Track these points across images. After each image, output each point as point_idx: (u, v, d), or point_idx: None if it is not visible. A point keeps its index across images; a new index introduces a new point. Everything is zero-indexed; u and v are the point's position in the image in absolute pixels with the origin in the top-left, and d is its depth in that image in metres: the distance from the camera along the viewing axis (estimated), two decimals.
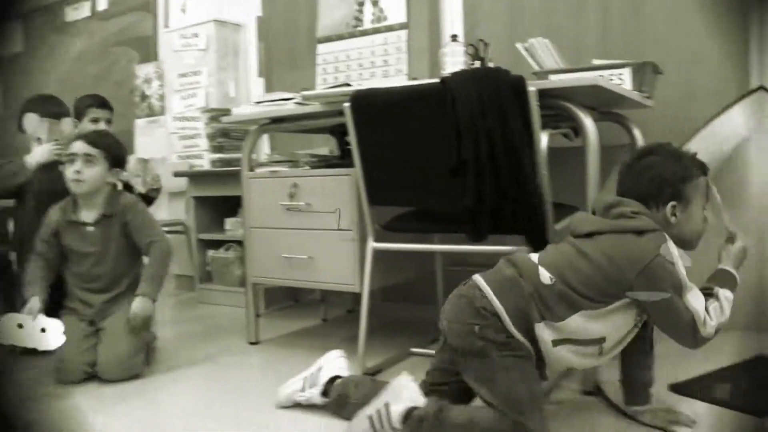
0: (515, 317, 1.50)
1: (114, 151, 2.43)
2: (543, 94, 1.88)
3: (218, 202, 3.65)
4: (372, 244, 2.22)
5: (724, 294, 1.54)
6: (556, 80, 2.10)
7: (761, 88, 1.78)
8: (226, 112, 3.39)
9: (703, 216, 1.60)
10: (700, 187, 1.59)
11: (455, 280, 2.81)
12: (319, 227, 2.42)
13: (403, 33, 3.28)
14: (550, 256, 1.59)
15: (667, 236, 1.50)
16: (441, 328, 1.63)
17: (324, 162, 2.58)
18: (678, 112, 2.62)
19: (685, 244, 1.56)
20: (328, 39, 3.53)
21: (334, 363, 1.94)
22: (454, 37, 2.52)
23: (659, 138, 2.52)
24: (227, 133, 3.71)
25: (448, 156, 1.93)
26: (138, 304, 2.30)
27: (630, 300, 1.50)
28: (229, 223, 3.60)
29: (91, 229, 2.39)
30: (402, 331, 2.81)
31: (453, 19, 3.32)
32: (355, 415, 1.64)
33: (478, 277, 1.59)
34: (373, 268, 2.23)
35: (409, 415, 1.56)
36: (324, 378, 1.88)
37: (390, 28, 3.33)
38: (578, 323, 1.50)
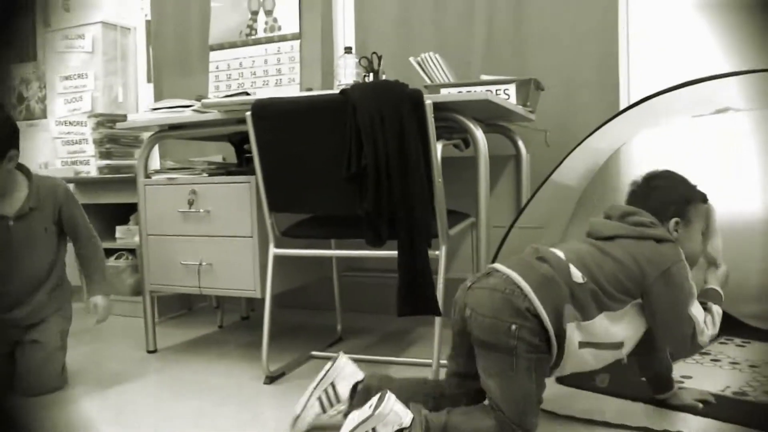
0: (552, 319, 1.51)
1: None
2: (438, 107, 2.02)
3: (107, 209, 3.56)
4: (273, 250, 2.27)
5: (717, 309, 1.69)
6: (451, 94, 2.23)
7: (632, 106, 1.98)
8: (120, 117, 3.33)
9: (700, 241, 1.75)
10: (701, 211, 1.74)
11: (350, 285, 2.93)
12: (218, 234, 2.44)
13: (296, 43, 3.34)
14: (575, 254, 1.62)
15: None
16: (458, 319, 1.62)
17: (223, 169, 2.60)
18: (557, 126, 2.83)
19: None
20: (220, 46, 3.54)
21: (346, 370, 1.77)
22: (348, 49, 2.60)
23: (540, 149, 2.75)
24: (116, 139, 3.62)
25: (348, 164, 2.02)
26: (102, 302, 2.31)
27: (642, 302, 1.60)
28: (120, 231, 3.53)
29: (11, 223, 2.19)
30: (300, 336, 2.87)
31: (345, 31, 3.41)
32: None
33: (514, 275, 1.55)
34: (273, 273, 2.29)
35: None
36: (345, 391, 1.74)
37: (283, 38, 3.39)
38: (603, 325, 1.56)
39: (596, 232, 1.72)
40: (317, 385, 1.75)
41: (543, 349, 1.52)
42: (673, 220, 1.70)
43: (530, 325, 1.50)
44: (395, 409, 1.58)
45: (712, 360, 2.25)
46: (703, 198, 1.76)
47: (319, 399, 1.73)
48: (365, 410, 1.59)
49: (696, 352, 1.63)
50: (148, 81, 4.02)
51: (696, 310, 1.63)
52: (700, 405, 1.79)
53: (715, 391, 1.91)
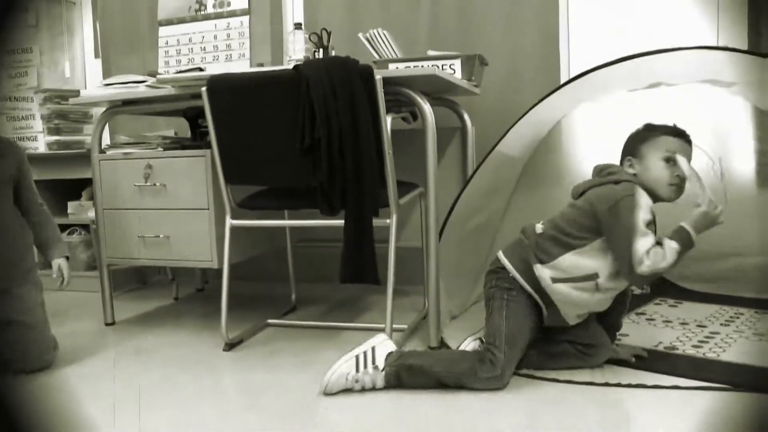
0: (520, 269, 1.88)
1: None
2: (387, 81, 2.09)
3: (58, 185, 3.54)
4: (230, 222, 2.33)
5: (669, 243, 1.75)
6: (400, 69, 2.32)
7: (572, 79, 2.10)
8: (72, 93, 3.32)
9: (662, 168, 1.83)
10: (659, 142, 1.85)
11: (304, 255, 3.00)
12: (175, 207, 2.48)
13: (246, 19, 3.35)
14: (549, 217, 1.92)
15: (638, 186, 1.80)
16: None
17: (178, 144, 2.63)
18: (501, 99, 2.94)
19: (654, 193, 1.83)
20: (169, 22, 3.53)
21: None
22: (298, 25, 2.64)
23: (485, 122, 2.86)
24: (65, 115, 3.60)
25: (302, 137, 2.09)
26: (65, 264, 2.33)
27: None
28: (72, 206, 3.52)
29: None
30: (256, 306, 2.94)
31: (294, 7, 3.44)
32: (341, 358, 1.88)
33: (499, 252, 1.97)
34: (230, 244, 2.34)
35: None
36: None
37: (233, 14, 3.39)
38: (571, 260, 1.82)
39: (574, 192, 1.95)
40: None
41: (516, 294, 1.88)
42: (626, 158, 1.90)
43: (503, 276, 1.91)
44: (388, 344, 1.92)
45: (647, 319, 2.42)
46: (666, 131, 1.87)
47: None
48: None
49: (642, 282, 2.09)
50: (96, 56, 3.98)
51: (641, 242, 1.72)
52: (634, 359, 1.97)
53: (649, 347, 2.08)
